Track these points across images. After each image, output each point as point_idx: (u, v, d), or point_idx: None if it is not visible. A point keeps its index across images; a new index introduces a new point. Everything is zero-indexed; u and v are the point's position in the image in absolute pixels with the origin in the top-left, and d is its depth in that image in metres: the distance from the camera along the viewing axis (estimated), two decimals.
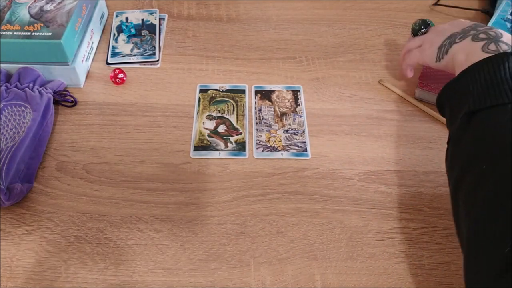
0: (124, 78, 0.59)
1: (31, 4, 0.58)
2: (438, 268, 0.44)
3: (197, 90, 0.59)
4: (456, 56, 0.45)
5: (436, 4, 0.72)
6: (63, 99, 0.57)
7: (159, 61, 0.62)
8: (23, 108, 0.52)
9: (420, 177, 0.51)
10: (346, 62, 0.64)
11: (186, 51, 0.64)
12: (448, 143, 0.42)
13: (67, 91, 0.57)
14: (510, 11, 0.62)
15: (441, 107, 0.46)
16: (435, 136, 0.55)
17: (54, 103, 0.55)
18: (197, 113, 0.57)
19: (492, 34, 0.43)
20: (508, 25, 0.61)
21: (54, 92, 0.56)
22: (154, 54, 0.63)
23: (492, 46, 0.41)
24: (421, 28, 0.56)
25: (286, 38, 0.67)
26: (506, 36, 0.43)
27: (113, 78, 0.59)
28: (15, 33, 0.54)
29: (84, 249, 0.45)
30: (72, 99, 0.57)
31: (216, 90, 0.59)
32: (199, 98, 0.58)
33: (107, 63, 0.62)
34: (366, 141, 0.54)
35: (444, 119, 0.55)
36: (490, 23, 0.62)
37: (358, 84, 0.61)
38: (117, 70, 0.59)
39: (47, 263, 0.44)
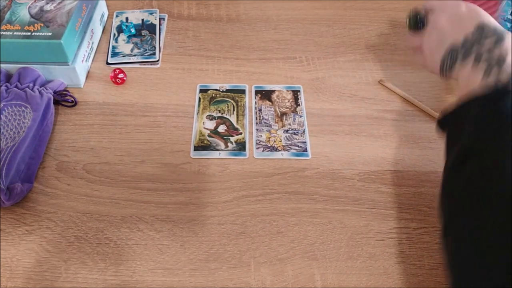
0: (124, 78, 0.59)
1: (31, 4, 0.58)
2: (438, 268, 0.44)
3: (197, 90, 0.59)
4: (459, 79, 0.44)
5: None
6: (63, 99, 0.57)
7: (159, 61, 0.62)
8: (23, 108, 0.52)
9: (420, 177, 0.51)
10: (346, 62, 0.64)
11: (186, 51, 0.64)
12: (443, 171, 0.41)
13: (67, 91, 0.57)
14: (510, 11, 0.62)
15: (442, 129, 0.45)
16: (435, 136, 0.55)
17: (54, 103, 0.55)
18: (197, 113, 0.57)
19: (494, 57, 0.41)
20: (508, 25, 0.61)
21: (54, 92, 0.56)
22: (154, 54, 0.63)
23: (491, 78, 0.40)
24: (417, 25, 0.53)
25: (286, 38, 0.67)
26: (507, 41, 0.41)
27: (113, 78, 0.59)
28: (15, 33, 0.54)
29: (84, 249, 0.45)
30: (72, 99, 0.57)
31: (216, 90, 0.59)
32: (199, 98, 0.58)
33: (107, 63, 0.62)
34: (366, 141, 0.54)
35: None
36: None
37: (358, 84, 0.61)
38: (117, 70, 0.59)
39: (47, 263, 0.44)
